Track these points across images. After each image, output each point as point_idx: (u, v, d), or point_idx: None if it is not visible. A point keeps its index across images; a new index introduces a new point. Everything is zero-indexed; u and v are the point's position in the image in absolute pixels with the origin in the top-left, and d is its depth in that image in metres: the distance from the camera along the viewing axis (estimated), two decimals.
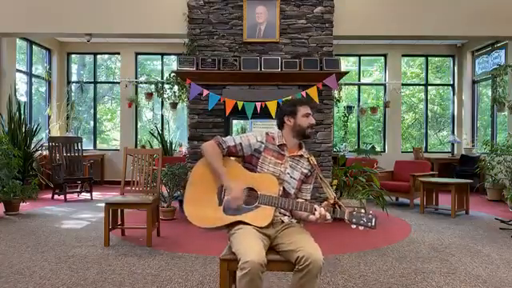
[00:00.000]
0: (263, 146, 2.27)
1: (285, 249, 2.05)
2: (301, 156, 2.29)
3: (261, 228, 2.11)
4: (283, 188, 2.22)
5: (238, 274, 1.86)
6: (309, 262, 1.91)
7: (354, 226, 2.06)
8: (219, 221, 2.16)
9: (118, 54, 9.26)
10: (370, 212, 2.06)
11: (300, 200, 2.22)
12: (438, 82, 9.86)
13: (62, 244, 4.02)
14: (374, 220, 2.03)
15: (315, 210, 2.07)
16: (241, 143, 2.26)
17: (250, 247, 1.92)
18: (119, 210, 4.31)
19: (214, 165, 2.21)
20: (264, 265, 1.89)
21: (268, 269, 2.03)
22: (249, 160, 2.28)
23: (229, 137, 2.33)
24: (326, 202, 2.17)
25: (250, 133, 2.34)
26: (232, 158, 2.31)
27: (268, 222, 2.11)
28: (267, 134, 2.32)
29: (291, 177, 2.25)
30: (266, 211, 2.12)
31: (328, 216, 2.06)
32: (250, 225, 2.11)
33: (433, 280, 3.09)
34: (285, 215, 2.25)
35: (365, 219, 2.04)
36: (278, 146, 2.27)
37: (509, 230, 4.77)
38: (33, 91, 8.45)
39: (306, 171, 2.29)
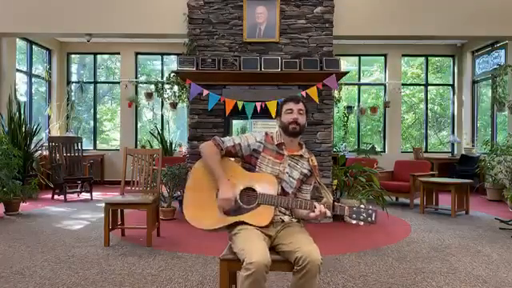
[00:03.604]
0: (262, 146, 2.27)
1: (284, 249, 2.06)
2: (301, 156, 2.29)
3: (262, 228, 2.11)
4: (282, 187, 2.23)
5: (242, 273, 1.86)
6: (307, 263, 1.91)
7: (354, 222, 2.07)
8: (219, 222, 2.15)
9: (118, 53, 9.26)
10: (370, 207, 2.06)
11: (300, 198, 2.22)
12: (438, 82, 9.87)
13: (62, 244, 4.02)
14: (374, 215, 2.04)
15: (315, 207, 2.07)
16: (240, 144, 2.26)
17: (255, 248, 1.92)
18: (119, 210, 4.31)
19: (211, 166, 2.21)
20: (268, 265, 1.90)
21: None
22: (248, 160, 2.28)
23: (228, 137, 2.32)
24: (325, 199, 2.17)
25: (250, 133, 2.34)
26: (231, 159, 2.31)
27: (268, 221, 2.11)
28: (267, 134, 2.32)
29: (290, 176, 2.24)
30: (266, 210, 2.12)
31: (328, 213, 2.07)
32: (251, 225, 2.11)
33: (433, 280, 3.09)
34: (285, 214, 2.25)
35: (365, 214, 2.05)
36: (276, 145, 2.27)
37: (509, 229, 4.77)
38: (33, 91, 8.45)
39: (305, 171, 2.28)
